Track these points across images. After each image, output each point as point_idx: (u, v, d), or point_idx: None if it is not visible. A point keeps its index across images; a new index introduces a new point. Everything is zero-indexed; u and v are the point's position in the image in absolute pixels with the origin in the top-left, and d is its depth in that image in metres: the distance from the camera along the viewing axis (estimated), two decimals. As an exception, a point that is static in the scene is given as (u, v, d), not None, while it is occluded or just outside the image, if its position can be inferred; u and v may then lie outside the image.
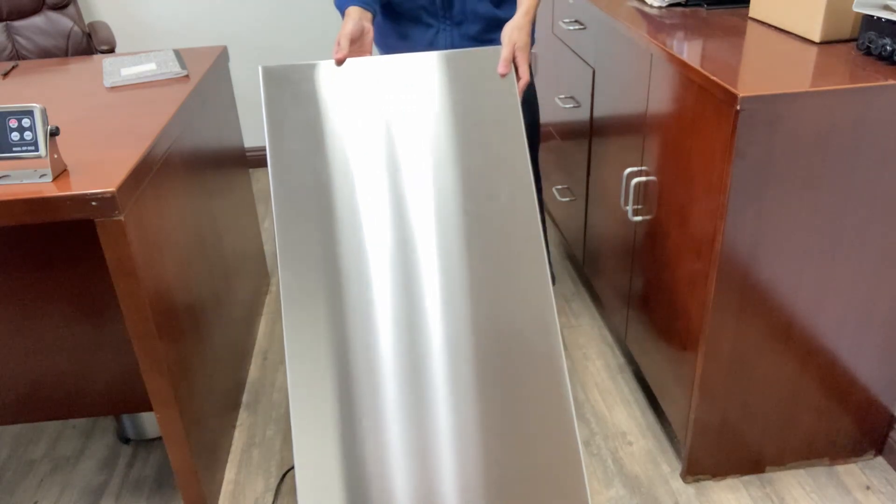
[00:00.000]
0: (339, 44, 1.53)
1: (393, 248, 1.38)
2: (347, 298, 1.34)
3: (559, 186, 2.44)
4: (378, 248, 1.37)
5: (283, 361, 2.12)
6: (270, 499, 1.67)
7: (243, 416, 1.92)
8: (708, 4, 1.82)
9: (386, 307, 1.34)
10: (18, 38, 2.75)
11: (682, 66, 1.42)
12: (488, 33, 1.75)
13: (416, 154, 1.43)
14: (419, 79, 1.53)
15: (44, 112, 1.25)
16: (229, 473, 1.75)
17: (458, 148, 1.45)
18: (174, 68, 1.84)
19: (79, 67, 1.98)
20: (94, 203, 1.22)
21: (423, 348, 1.33)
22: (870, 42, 1.36)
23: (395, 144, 1.45)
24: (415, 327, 1.34)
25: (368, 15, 1.58)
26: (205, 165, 1.81)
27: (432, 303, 1.35)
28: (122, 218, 1.25)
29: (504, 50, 1.50)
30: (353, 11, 1.56)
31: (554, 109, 2.41)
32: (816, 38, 1.46)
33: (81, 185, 1.24)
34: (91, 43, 2.80)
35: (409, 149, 1.44)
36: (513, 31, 1.51)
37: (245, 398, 1.99)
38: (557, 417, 1.32)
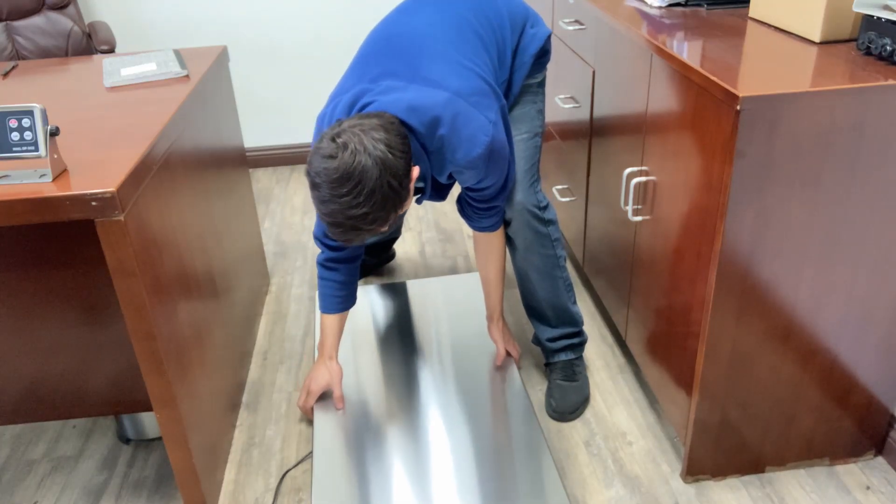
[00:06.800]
0: (306, 393, 1.76)
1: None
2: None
3: (559, 186, 2.44)
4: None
5: (282, 361, 2.12)
6: (270, 499, 1.67)
7: (243, 416, 1.92)
8: (708, 4, 1.82)
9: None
10: (18, 38, 2.75)
11: (682, 66, 1.42)
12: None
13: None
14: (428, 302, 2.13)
15: (44, 112, 1.25)
16: (229, 473, 1.75)
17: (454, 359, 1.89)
18: (174, 68, 1.84)
19: (79, 67, 1.98)
20: (94, 203, 1.22)
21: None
22: (870, 42, 1.36)
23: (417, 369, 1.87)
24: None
25: (337, 370, 1.75)
26: (205, 165, 1.81)
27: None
28: (122, 218, 1.25)
29: (499, 349, 1.85)
30: (329, 347, 1.74)
31: (554, 109, 2.41)
32: (816, 38, 1.46)
33: (81, 185, 1.24)
34: (91, 43, 2.80)
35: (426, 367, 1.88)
36: (502, 333, 1.85)
37: (245, 398, 1.99)
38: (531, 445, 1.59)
